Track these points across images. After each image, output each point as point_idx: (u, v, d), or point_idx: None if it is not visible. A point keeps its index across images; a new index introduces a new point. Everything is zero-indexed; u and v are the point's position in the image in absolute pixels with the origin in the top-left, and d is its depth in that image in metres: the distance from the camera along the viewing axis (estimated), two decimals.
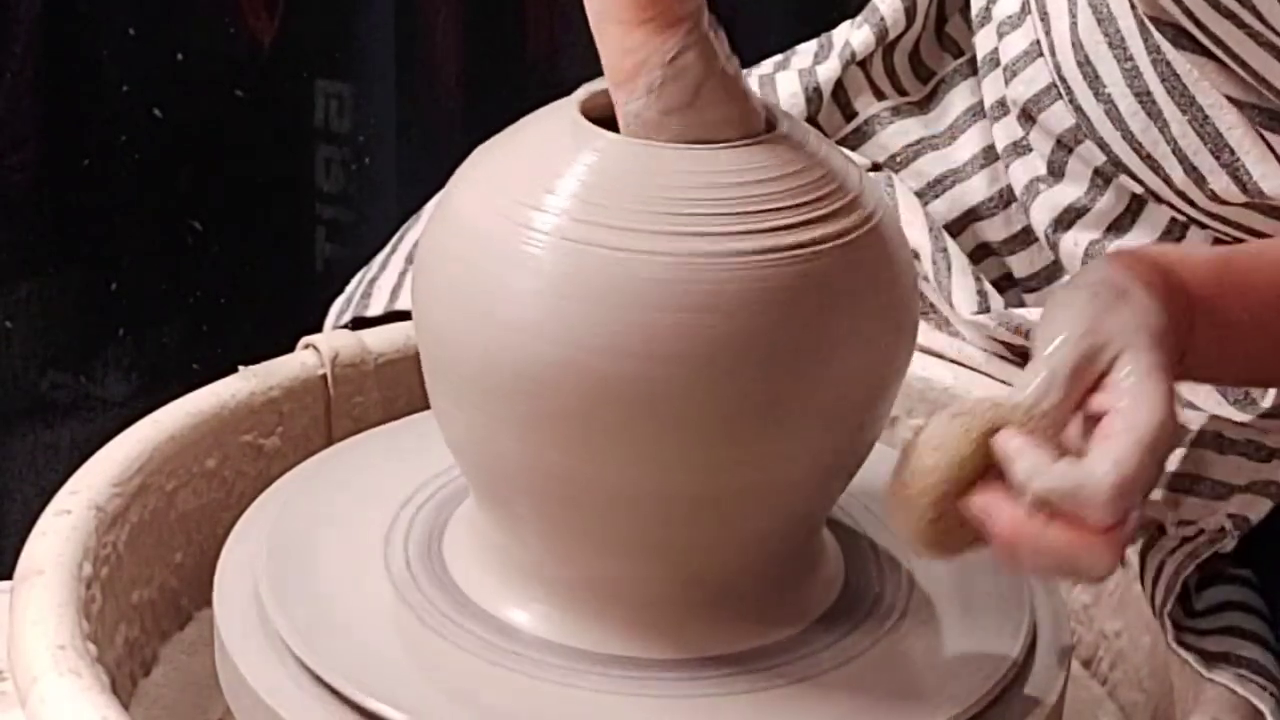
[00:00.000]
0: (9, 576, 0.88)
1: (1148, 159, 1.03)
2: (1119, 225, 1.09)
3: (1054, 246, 1.11)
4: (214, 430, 1.01)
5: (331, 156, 1.93)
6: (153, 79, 1.84)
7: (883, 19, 1.17)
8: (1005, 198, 1.15)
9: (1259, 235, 1.02)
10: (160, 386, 1.33)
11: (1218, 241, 1.05)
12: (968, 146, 1.17)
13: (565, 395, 0.79)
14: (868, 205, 0.83)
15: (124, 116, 1.84)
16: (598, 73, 0.84)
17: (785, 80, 1.18)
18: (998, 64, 1.14)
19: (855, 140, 1.18)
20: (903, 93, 1.19)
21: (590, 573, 0.84)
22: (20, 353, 1.85)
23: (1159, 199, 1.05)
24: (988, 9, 1.16)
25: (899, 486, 0.81)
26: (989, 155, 1.16)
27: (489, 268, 0.80)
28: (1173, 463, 0.95)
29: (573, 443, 0.80)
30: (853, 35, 1.18)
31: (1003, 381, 1.06)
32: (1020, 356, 1.06)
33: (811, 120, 1.17)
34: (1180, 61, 0.98)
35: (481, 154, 0.85)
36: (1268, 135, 0.98)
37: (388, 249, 1.19)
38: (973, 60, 1.18)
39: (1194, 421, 0.97)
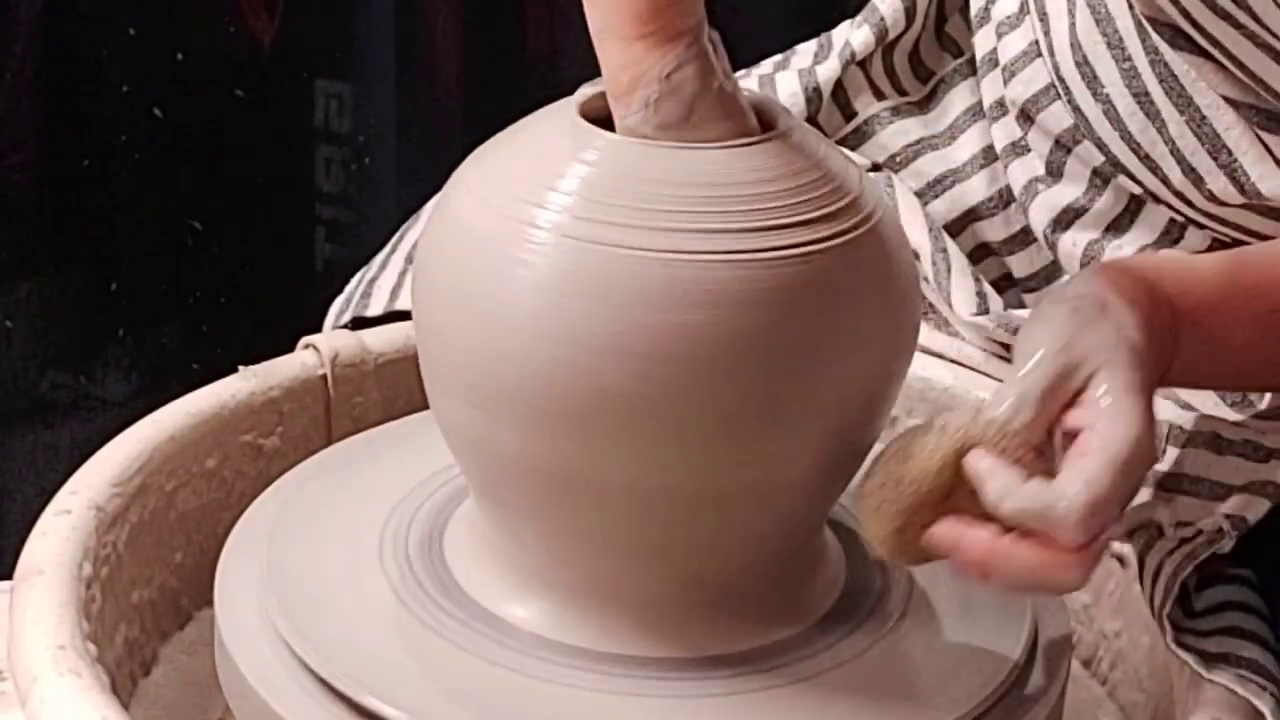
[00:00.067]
0: (9, 576, 0.88)
1: (1146, 159, 1.03)
2: (1117, 225, 1.09)
3: (1053, 246, 1.11)
4: (214, 430, 1.01)
5: (331, 156, 1.93)
6: (153, 79, 1.84)
7: (882, 19, 1.17)
8: (1005, 198, 1.15)
9: (1257, 236, 1.02)
10: (160, 386, 1.34)
11: (1216, 242, 1.05)
12: (967, 146, 1.17)
13: (565, 395, 0.79)
14: (868, 205, 0.83)
15: (124, 116, 1.84)
16: (597, 73, 0.85)
17: (785, 80, 1.18)
18: (996, 64, 1.14)
19: (855, 140, 1.18)
20: (902, 93, 1.20)
21: (590, 572, 0.84)
22: (20, 353, 1.85)
23: (1157, 199, 1.05)
24: (986, 9, 1.16)
25: (867, 495, 0.82)
26: (989, 155, 1.16)
27: (488, 268, 0.81)
28: (1170, 464, 0.95)
29: (573, 442, 0.80)
30: (852, 35, 1.18)
31: (1002, 382, 1.06)
32: None
33: (811, 120, 1.17)
34: (1178, 62, 0.98)
35: (481, 154, 0.85)
36: (1265, 136, 0.98)
37: (387, 249, 1.19)
38: (972, 60, 1.18)
39: (1191, 422, 0.97)
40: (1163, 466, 0.95)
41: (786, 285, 0.79)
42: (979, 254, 1.16)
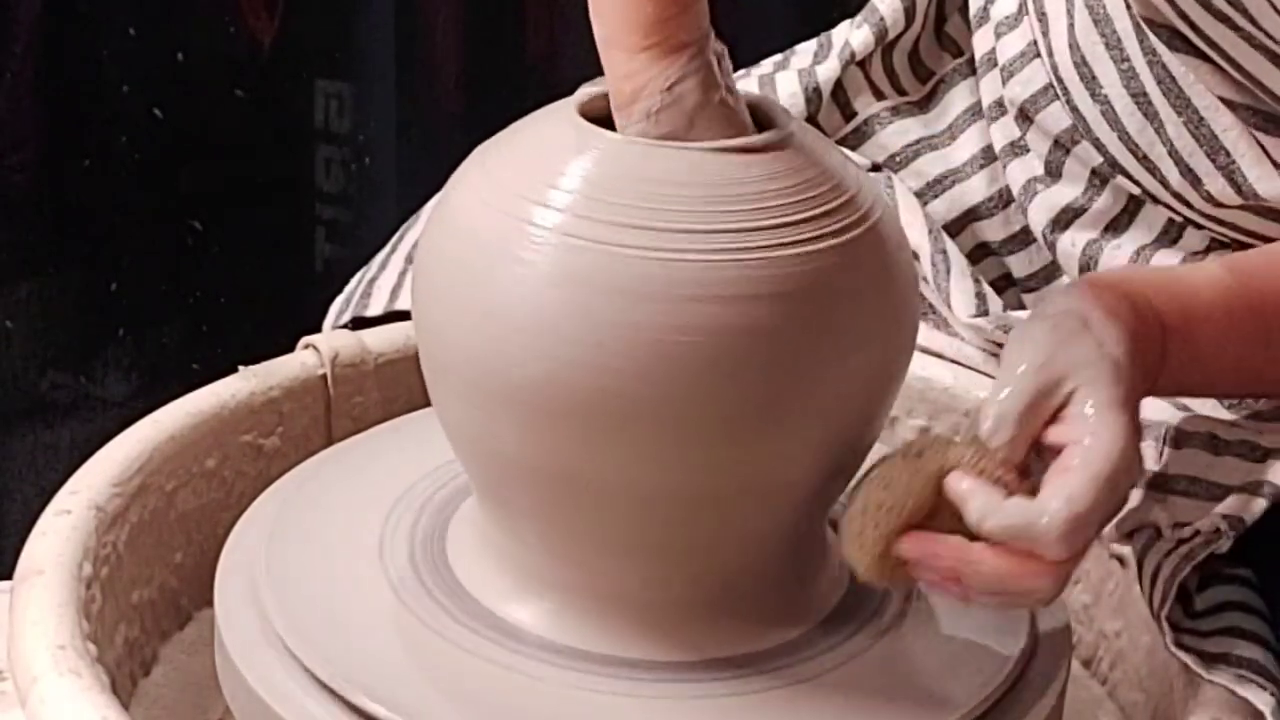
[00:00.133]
0: (9, 576, 0.88)
1: (1144, 160, 1.03)
2: (1116, 225, 1.09)
3: (1051, 246, 1.11)
4: (214, 430, 1.01)
5: (331, 156, 1.93)
6: (153, 79, 1.84)
7: (882, 19, 1.17)
8: (1004, 198, 1.15)
9: (1256, 236, 1.02)
10: (160, 386, 1.34)
11: (1215, 242, 1.05)
12: (967, 146, 1.17)
13: (565, 395, 0.79)
14: (867, 205, 0.83)
15: (124, 116, 1.84)
16: (597, 73, 0.85)
17: (785, 80, 1.18)
18: (995, 64, 1.14)
19: (855, 140, 1.18)
20: (902, 92, 1.20)
21: (591, 572, 0.84)
22: (20, 353, 1.85)
23: (1155, 200, 1.05)
24: (985, 9, 1.16)
25: (849, 521, 0.82)
26: (988, 155, 1.16)
27: (489, 267, 0.81)
28: (1167, 464, 0.95)
29: (573, 442, 0.80)
30: (852, 35, 1.18)
31: None
32: None
33: (811, 120, 1.17)
34: (1176, 63, 0.98)
35: (481, 154, 0.85)
36: (1262, 138, 0.98)
37: (387, 249, 1.19)
38: (972, 60, 1.18)
39: (1187, 423, 0.97)
40: (1159, 467, 0.95)
41: (787, 285, 0.79)
42: (978, 254, 1.16)
